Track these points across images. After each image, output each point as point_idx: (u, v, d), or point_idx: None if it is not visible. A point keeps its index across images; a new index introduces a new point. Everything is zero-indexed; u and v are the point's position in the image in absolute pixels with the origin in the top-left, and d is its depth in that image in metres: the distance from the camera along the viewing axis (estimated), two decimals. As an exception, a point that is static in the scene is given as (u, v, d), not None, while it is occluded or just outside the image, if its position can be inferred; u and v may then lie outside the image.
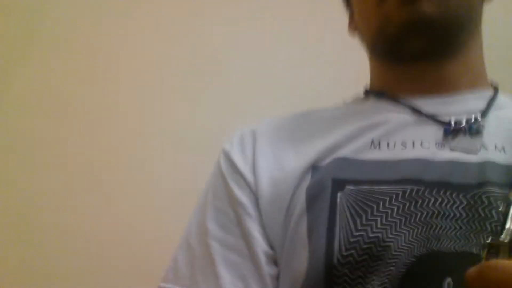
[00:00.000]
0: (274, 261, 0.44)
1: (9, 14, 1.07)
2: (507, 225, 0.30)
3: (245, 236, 0.44)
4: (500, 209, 0.35)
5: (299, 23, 0.95)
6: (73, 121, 0.99)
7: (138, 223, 0.91)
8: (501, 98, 0.48)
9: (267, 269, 0.43)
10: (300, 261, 0.41)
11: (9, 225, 0.95)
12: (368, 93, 0.52)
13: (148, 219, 0.90)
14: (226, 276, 0.43)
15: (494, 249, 0.29)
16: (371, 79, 0.54)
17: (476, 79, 0.50)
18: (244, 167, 0.47)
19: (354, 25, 0.54)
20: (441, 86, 0.48)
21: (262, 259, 0.43)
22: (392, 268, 0.37)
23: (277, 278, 0.44)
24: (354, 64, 0.59)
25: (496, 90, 0.50)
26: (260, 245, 0.44)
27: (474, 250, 0.35)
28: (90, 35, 1.03)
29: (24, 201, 0.96)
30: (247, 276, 0.43)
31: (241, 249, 0.44)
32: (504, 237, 0.29)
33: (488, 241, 0.29)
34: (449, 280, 0.35)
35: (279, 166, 0.46)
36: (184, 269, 0.45)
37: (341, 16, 0.57)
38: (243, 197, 0.46)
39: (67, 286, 0.90)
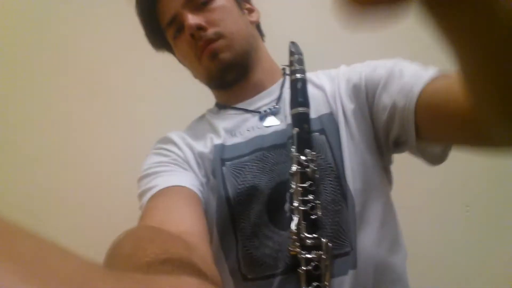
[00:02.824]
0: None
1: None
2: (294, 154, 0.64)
3: (187, 163, 0.73)
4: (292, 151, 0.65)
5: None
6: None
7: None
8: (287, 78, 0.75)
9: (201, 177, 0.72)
10: (213, 204, 0.69)
11: None
12: (218, 106, 0.84)
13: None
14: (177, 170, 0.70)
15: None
16: (216, 98, 0.86)
17: (273, 75, 0.81)
18: (179, 142, 0.76)
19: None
20: (255, 89, 0.79)
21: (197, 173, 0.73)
22: (261, 197, 0.67)
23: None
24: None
25: (284, 75, 0.80)
26: (196, 171, 0.72)
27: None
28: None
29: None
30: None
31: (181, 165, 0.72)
32: (294, 166, 0.62)
33: (292, 170, 0.62)
34: (288, 194, 0.65)
35: (195, 148, 0.75)
36: (145, 181, 0.69)
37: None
38: (178, 151, 0.74)
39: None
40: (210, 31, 0.72)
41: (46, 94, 1.33)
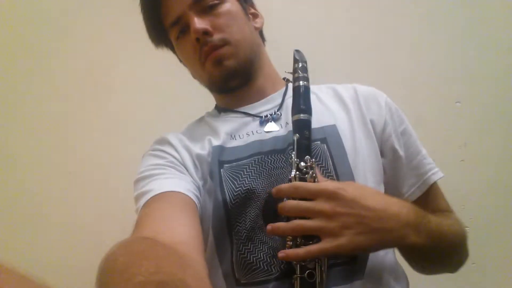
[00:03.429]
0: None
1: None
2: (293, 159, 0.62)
3: (182, 165, 0.72)
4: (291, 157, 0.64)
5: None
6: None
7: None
8: (290, 87, 0.77)
9: (197, 179, 0.71)
10: (209, 207, 0.69)
11: None
12: (218, 109, 0.84)
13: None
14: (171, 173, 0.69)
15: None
16: (216, 101, 0.86)
17: (274, 81, 0.83)
18: (176, 143, 0.75)
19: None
20: (257, 96, 0.80)
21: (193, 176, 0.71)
22: (258, 201, 0.67)
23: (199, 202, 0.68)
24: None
25: (287, 83, 0.83)
26: (191, 173, 0.71)
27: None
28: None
29: None
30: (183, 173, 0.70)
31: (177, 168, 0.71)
32: (293, 172, 0.61)
33: (291, 175, 0.61)
34: (285, 199, 0.60)
35: (193, 150, 0.74)
36: (141, 184, 0.68)
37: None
38: (175, 153, 0.73)
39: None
40: (216, 37, 0.73)
41: (43, 94, 1.32)
